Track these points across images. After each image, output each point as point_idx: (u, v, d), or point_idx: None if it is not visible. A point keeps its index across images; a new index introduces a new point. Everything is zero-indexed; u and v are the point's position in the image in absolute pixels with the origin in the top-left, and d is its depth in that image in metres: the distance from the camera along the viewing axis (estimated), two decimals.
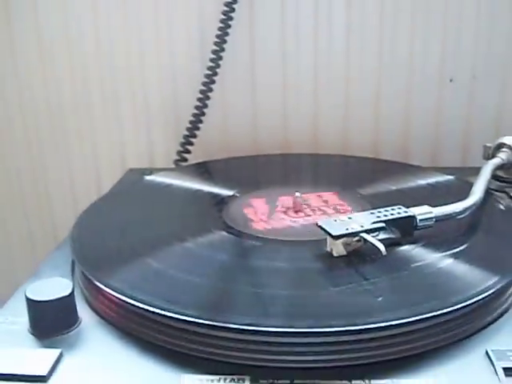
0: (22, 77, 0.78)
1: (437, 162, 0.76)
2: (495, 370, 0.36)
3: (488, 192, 0.56)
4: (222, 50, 0.72)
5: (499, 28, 0.74)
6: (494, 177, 0.62)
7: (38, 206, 0.84)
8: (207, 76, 0.73)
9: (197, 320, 0.37)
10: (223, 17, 0.71)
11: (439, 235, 0.48)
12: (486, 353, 0.37)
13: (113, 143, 0.80)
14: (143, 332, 0.39)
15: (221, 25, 0.72)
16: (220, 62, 0.73)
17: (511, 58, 0.75)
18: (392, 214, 0.46)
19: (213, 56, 0.73)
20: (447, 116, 0.77)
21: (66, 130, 0.80)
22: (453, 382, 0.35)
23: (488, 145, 0.65)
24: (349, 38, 0.75)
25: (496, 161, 0.61)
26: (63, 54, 0.77)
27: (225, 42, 0.72)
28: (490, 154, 0.64)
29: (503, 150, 0.63)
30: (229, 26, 0.72)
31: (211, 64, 0.73)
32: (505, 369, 0.35)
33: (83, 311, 0.42)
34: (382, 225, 0.45)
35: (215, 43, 0.72)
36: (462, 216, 0.50)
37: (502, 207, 0.55)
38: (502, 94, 0.76)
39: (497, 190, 0.61)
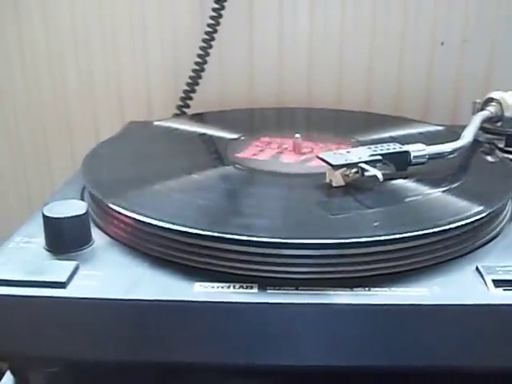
0: (23, 31, 0.80)
1: (426, 120, 0.78)
2: (485, 282, 0.38)
3: (477, 141, 0.59)
4: (222, 7, 0.74)
5: None
6: (483, 129, 0.65)
7: (37, 159, 0.86)
8: (207, 33, 0.75)
9: (205, 233, 0.39)
10: None
11: (431, 172, 0.51)
12: (477, 268, 0.40)
13: (112, 97, 0.82)
14: (154, 249, 0.41)
15: None
16: (220, 20, 0.75)
17: (500, 22, 0.78)
18: (388, 149, 0.49)
19: (213, 14, 0.74)
20: (438, 77, 0.80)
21: (66, 84, 0.82)
22: (445, 292, 0.37)
23: (477, 101, 0.68)
24: (344, 1, 0.77)
25: (485, 113, 0.64)
26: (65, 12, 0.79)
27: (225, 0, 0.74)
28: (478, 109, 0.66)
29: (492, 104, 0.65)
30: None
31: (211, 21, 0.75)
32: (494, 281, 0.38)
33: (95, 234, 0.44)
34: (379, 157, 0.47)
35: (215, 1, 0.74)
36: (452, 156, 0.52)
37: (489, 155, 0.58)
38: (490, 56, 0.79)
39: (486, 142, 0.64)
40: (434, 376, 0.39)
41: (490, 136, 0.65)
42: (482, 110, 0.65)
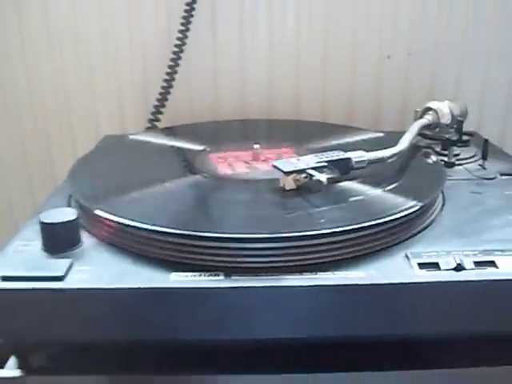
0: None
1: (378, 128, 0.87)
2: (411, 265, 0.46)
3: (417, 146, 0.68)
4: (189, 22, 0.82)
5: (430, 9, 0.86)
6: (423, 135, 0.74)
7: (16, 172, 0.92)
8: (174, 53, 0.82)
9: (178, 231, 0.47)
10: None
11: (373, 175, 0.59)
12: (406, 255, 0.48)
13: (87, 114, 0.89)
14: (135, 247, 0.48)
15: (186, 7, 0.82)
16: (185, 41, 0.83)
17: (441, 35, 0.87)
18: (332, 156, 0.57)
19: (179, 35, 0.82)
20: (386, 88, 0.89)
21: (44, 102, 0.89)
22: (379, 274, 0.45)
23: (417, 109, 0.76)
24: (299, 18, 0.86)
25: (422, 121, 0.72)
26: (41, 28, 0.85)
27: (191, 15, 0.82)
28: (418, 117, 0.75)
29: (429, 112, 0.74)
30: (193, 9, 0.82)
31: (177, 42, 0.82)
32: (419, 264, 0.46)
33: (83, 237, 0.50)
34: (325, 164, 0.56)
35: (183, 17, 0.82)
36: (390, 160, 0.61)
37: (425, 158, 0.67)
38: (433, 67, 0.88)
39: (425, 147, 0.72)
40: (373, 344, 0.47)
41: (429, 141, 0.74)
42: (421, 117, 0.74)
